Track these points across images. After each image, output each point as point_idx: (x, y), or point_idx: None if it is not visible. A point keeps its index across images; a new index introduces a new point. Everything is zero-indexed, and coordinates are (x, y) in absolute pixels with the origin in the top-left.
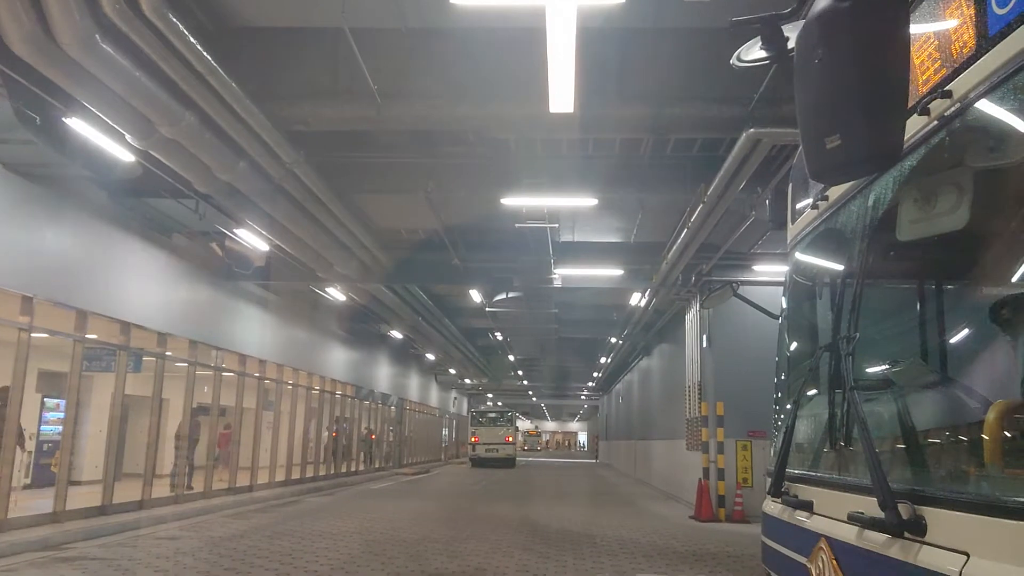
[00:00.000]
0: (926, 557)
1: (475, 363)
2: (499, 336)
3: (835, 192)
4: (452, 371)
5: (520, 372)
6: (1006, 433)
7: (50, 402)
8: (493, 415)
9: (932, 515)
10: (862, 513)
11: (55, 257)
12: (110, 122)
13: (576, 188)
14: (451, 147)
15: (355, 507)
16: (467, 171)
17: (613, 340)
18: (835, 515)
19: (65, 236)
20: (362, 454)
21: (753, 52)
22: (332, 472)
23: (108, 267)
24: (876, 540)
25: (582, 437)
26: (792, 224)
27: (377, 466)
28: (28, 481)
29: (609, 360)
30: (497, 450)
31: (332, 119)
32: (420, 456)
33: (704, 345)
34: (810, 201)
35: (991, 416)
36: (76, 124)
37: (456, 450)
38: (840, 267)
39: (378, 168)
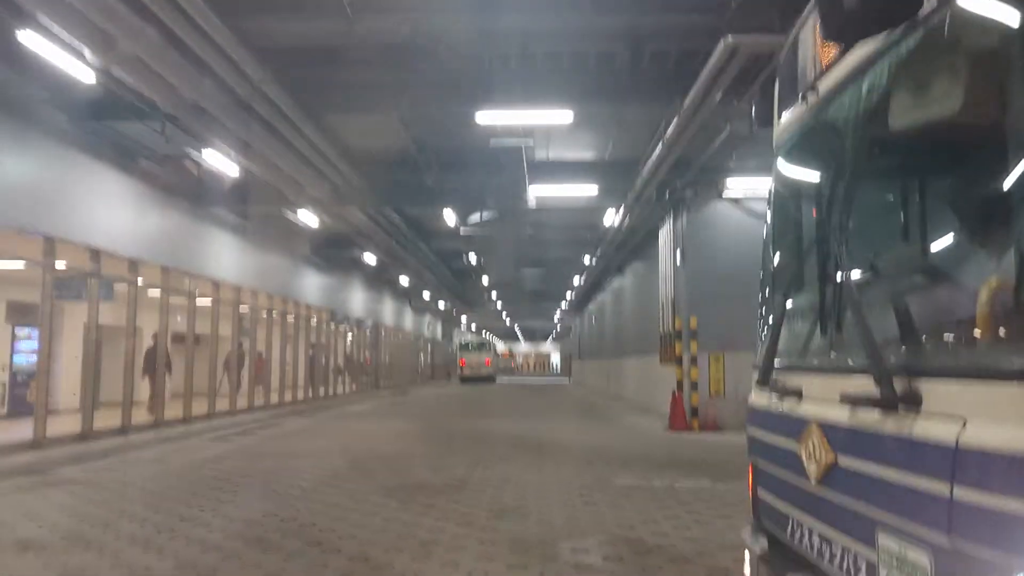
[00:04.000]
0: (923, 428)
1: (449, 287)
2: (473, 259)
3: (825, 83)
4: (426, 296)
5: (494, 294)
6: (999, 304)
7: (21, 332)
8: (476, 344)
9: (928, 387)
10: (855, 393)
11: (18, 183)
12: (67, 37)
13: (551, 103)
14: (424, 63)
15: (336, 427)
16: (440, 87)
17: (587, 260)
18: (826, 399)
19: (27, 162)
20: (340, 378)
21: None
22: (311, 396)
23: (74, 194)
24: (870, 418)
25: (555, 358)
26: (779, 122)
27: (355, 389)
28: (4, 411)
29: (583, 281)
30: (480, 370)
31: (301, 34)
32: (397, 379)
33: (678, 261)
34: (798, 96)
35: (984, 291)
36: (32, 39)
37: (432, 372)
38: (831, 159)
39: (349, 86)
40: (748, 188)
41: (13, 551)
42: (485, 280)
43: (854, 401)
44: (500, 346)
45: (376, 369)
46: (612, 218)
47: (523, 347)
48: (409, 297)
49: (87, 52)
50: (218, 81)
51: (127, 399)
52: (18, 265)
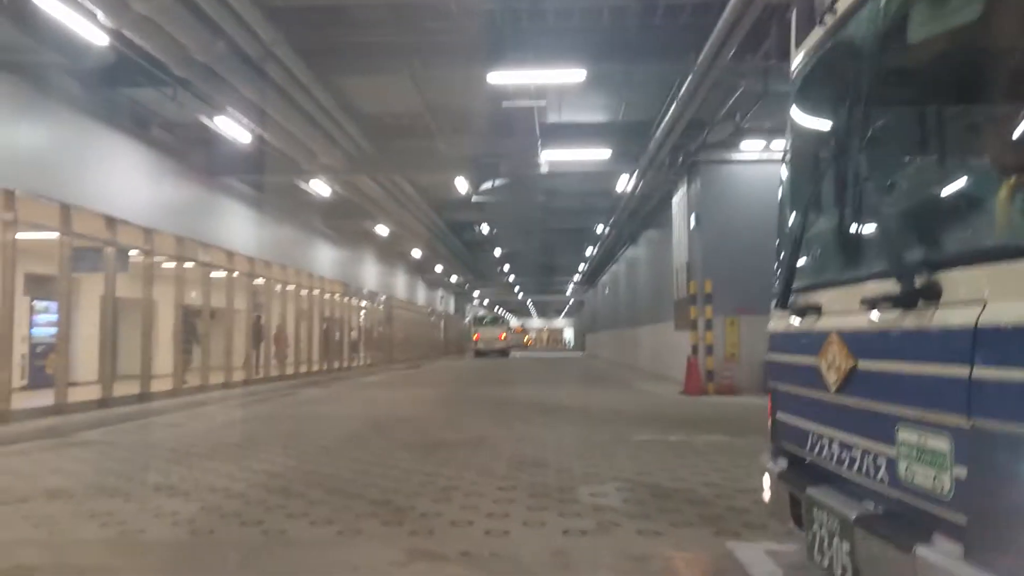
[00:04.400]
0: (941, 318)
1: (461, 259)
2: (485, 229)
3: (844, 2)
4: (438, 269)
5: (506, 267)
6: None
7: (39, 304)
8: (489, 319)
9: (947, 278)
10: (874, 295)
11: (33, 151)
12: None
13: (563, 61)
14: (434, 22)
15: (353, 395)
16: (451, 47)
17: (599, 229)
18: (845, 309)
19: (42, 129)
20: (354, 351)
21: None
22: (325, 368)
23: (88, 161)
24: (890, 317)
25: (568, 334)
26: (796, 49)
27: (369, 362)
28: (25, 383)
29: (595, 250)
30: (494, 344)
31: None
32: (410, 353)
33: (692, 225)
34: (816, 20)
35: (1004, 189)
36: (45, 2)
37: (445, 347)
38: (849, 79)
39: (360, 47)
40: (763, 150)
41: (42, 499)
42: (497, 252)
43: (874, 303)
44: (513, 322)
45: (390, 343)
46: (625, 184)
47: (536, 322)
48: (421, 271)
49: (100, 14)
50: (230, 42)
51: (145, 367)
52: (35, 236)
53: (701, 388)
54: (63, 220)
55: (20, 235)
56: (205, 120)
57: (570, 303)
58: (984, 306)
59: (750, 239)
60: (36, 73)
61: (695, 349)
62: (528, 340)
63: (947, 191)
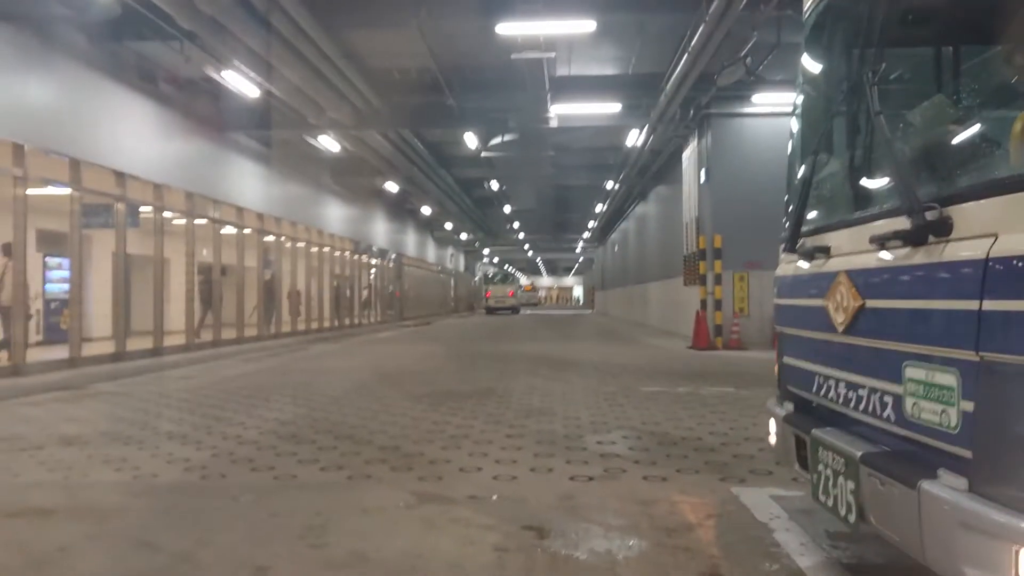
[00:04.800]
0: (952, 252)
1: (471, 216)
2: (495, 186)
3: None
4: (448, 226)
5: (516, 225)
6: None
7: (52, 261)
8: (500, 277)
9: (958, 212)
10: (885, 232)
11: (42, 105)
12: None
13: (573, 12)
14: None
15: (363, 351)
16: None
17: (609, 185)
18: (854, 250)
19: (50, 83)
20: (365, 309)
21: None
22: (336, 325)
23: (97, 116)
24: (900, 254)
25: (577, 291)
26: None
27: (379, 319)
28: (40, 338)
29: (605, 207)
30: (504, 301)
31: None
32: (420, 310)
33: (702, 180)
34: None
35: (1018, 122)
36: None
37: (455, 305)
38: (861, 17)
39: None
40: (775, 103)
41: (57, 445)
42: (507, 209)
43: (883, 241)
44: (523, 280)
45: (401, 300)
46: (635, 138)
47: (545, 280)
48: (431, 228)
49: None
50: None
51: (158, 322)
52: (46, 192)
53: (709, 343)
54: (73, 175)
55: (31, 191)
56: (212, 74)
57: (579, 261)
58: (996, 238)
59: (760, 193)
60: (42, 26)
61: (704, 304)
62: (538, 298)
63: (958, 127)
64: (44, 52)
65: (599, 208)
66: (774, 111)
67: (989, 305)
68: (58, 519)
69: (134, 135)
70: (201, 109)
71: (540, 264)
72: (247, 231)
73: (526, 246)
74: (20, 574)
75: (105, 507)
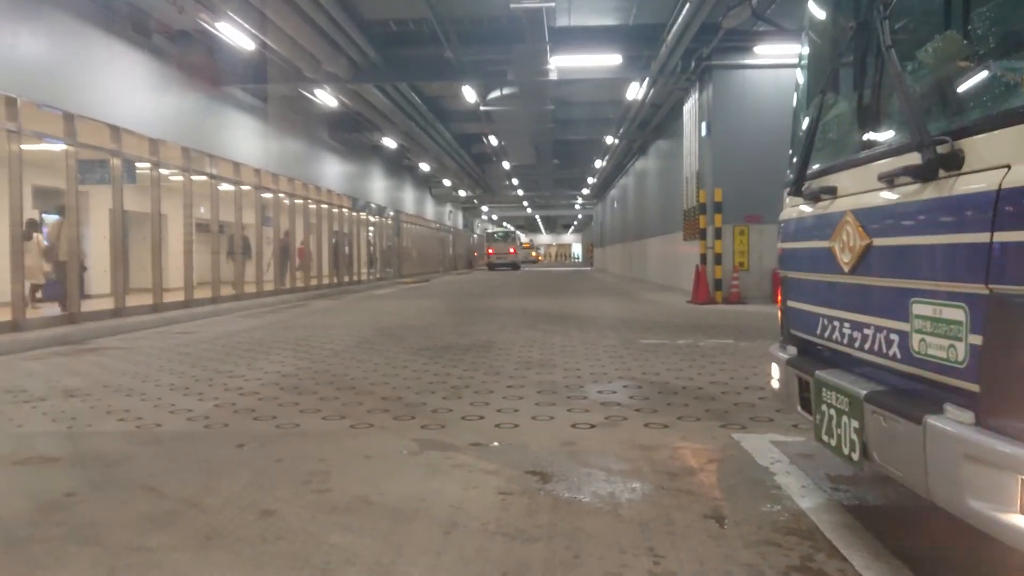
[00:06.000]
0: (963, 185)
1: (469, 173)
2: (493, 141)
3: None
4: (447, 183)
5: (515, 181)
6: None
7: (49, 218)
8: (501, 234)
9: (968, 145)
10: (893, 169)
11: (34, 58)
12: None
13: None
14: None
15: (362, 306)
16: None
17: (609, 140)
18: (861, 189)
19: (41, 36)
20: (364, 266)
21: None
22: (335, 282)
23: (91, 70)
24: (908, 191)
25: (576, 249)
26: None
27: (378, 276)
28: (39, 295)
29: (605, 163)
30: (505, 258)
31: None
32: (419, 267)
33: (703, 133)
34: None
35: None
36: None
37: (454, 262)
38: None
39: None
40: (778, 55)
41: (60, 397)
42: (506, 165)
43: (892, 178)
44: (523, 238)
45: (399, 257)
46: (636, 92)
47: (544, 238)
48: (429, 185)
49: None
50: None
51: (156, 279)
52: (40, 147)
53: (709, 297)
54: (67, 130)
55: (25, 146)
56: (206, 25)
57: (578, 218)
58: (1008, 169)
59: (761, 146)
60: None
61: (703, 258)
62: (537, 255)
63: (969, 61)
64: (35, 3)
65: (599, 164)
66: (777, 63)
67: (1000, 237)
68: (64, 466)
69: (128, 89)
70: (196, 62)
71: (539, 221)
72: (245, 187)
73: (525, 203)
74: (29, 518)
75: (110, 455)
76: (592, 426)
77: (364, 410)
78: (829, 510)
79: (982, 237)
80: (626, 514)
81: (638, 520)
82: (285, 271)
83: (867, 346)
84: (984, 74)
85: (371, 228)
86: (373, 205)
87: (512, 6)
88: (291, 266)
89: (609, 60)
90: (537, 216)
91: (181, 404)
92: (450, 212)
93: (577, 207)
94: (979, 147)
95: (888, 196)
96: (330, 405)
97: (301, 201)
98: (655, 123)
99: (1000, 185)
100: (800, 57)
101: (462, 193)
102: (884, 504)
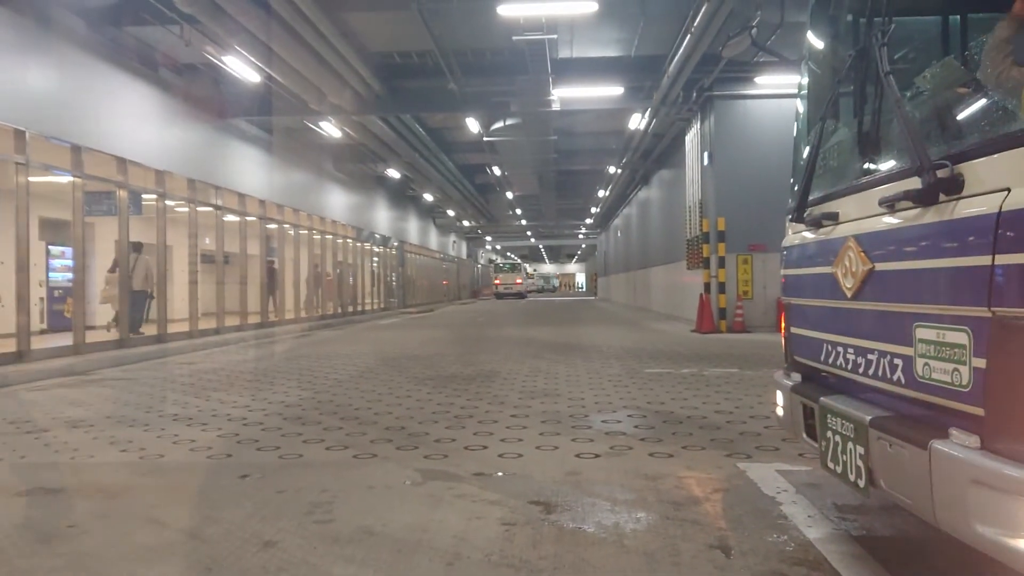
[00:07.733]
0: (963, 209)
1: (473, 203)
2: (497, 171)
3: None
4: (451, 213)
5: (518, 211)
6: None
7: (55, 250)
8: (508, 266)
9: (968, 169)
10: (894, 194)
11: (42, 91)
12: None
13: None
14: None
15: (366, 336)
16: None
17: (612, 170)
18: (862, 214)
19: (49, 69)
20: (367, 296)
21: None
22: (339, 312)
23: (98, 103)
24: (909, 215)
25: (580, 278)
26: None
27: (381, 306)
28: (44, 327)
29: (608, 192)
30: (512, 288)
31: None
32: (423, 297)
33: (705, 163)
34: None
35: None
36: None
37: (458, 292)
38: None
39: None
40: (779, 85)
41: (64, 428)
42: (509, 195)
43: (893, 203)
44: (528, 269)
45: (403, 287)
46: (638, 122)
47: (548, 267)
48: (433, 215)
49: None
50: None
51: (161, 311)
52: (48, 179)
53: (713, 326)
54: (75, 161)
55: (32, 178)
56: (213, 59)
57: (582, 247)
58: (1008, 192)
59: (764, 175)
60: (41, 11)
61: (707, 287)
62: (540, 286)
63: (967, 86)
64: (43, 37)
65: (602, 193)
66: (777, 92)
67: (1001, 260)
68: (66, 497)
69: (134, 121)
70: (202, 95)
71: (543, 250)
72: (250, 218)
73: (528, 233)
74: (31, 549)
75: (112, 486)
76: (596, 455)
77: (367, 440)
78: (836, 540)
79: (984, 260)
80: (631, 544)
81: (643, 551)
82: (315, 299)
83: (871, 371)
84: (982, 99)
85: (375, 258)
86: (377, 235)
87: (515, 38)
88: (321, 295)
89: (611, 91)
90: (541, 246)
91: (185, 434)
92: (454, 242)
93: (580, 236)
94: (979, 171)
95: (889, 221)
96: (333, 435)
97: (306, 231)
98: (657, 153)
99: (1000, 208)
100: (800, 87)
101: (466, 223)
102: (892, 534)
